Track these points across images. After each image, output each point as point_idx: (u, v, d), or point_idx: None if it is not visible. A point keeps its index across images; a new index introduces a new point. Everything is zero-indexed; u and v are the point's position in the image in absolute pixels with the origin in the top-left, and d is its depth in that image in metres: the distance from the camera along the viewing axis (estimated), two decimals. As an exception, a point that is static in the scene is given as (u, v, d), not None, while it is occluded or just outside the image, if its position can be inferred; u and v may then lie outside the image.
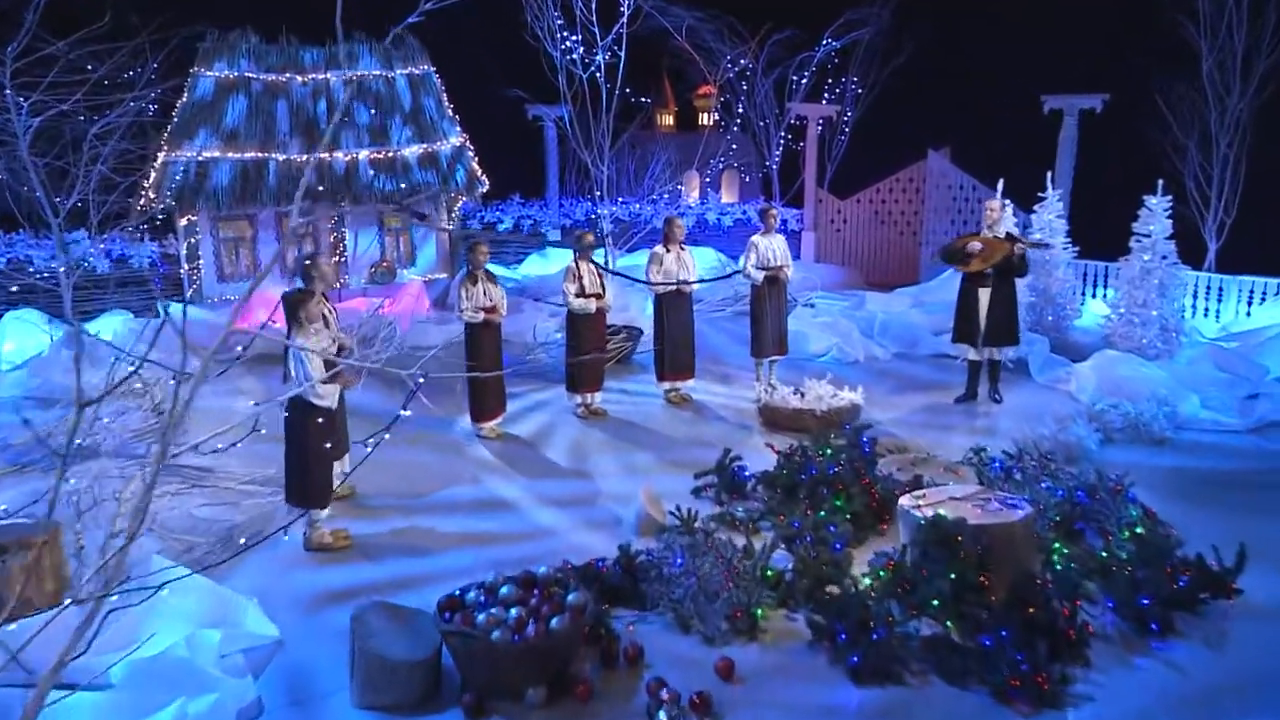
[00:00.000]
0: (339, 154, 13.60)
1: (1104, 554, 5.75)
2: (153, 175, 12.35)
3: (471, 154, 14.73)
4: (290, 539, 6.49)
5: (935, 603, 5.20)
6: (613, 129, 13.50)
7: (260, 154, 13.04)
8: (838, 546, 6.03)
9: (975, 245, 9.24)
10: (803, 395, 9.03)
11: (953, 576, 5.23)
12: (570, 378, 9.34)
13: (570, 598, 5.06)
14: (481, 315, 8.47)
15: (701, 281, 10.54)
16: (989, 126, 18.29)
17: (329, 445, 6.42)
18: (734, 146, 18.00)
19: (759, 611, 5.45)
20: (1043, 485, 6.63)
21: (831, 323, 12.16)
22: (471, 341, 8.61)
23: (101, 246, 11.27)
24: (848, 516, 6.50)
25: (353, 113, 13.60)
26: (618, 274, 11.57)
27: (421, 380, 3.92)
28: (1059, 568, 5.55)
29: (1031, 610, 5.00)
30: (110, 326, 11.78)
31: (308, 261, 7.01)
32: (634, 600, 5.69)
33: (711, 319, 13.85)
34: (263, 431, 5.44)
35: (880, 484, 6.84)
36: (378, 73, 14.08)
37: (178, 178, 12.47)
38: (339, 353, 7.12)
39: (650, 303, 10.22)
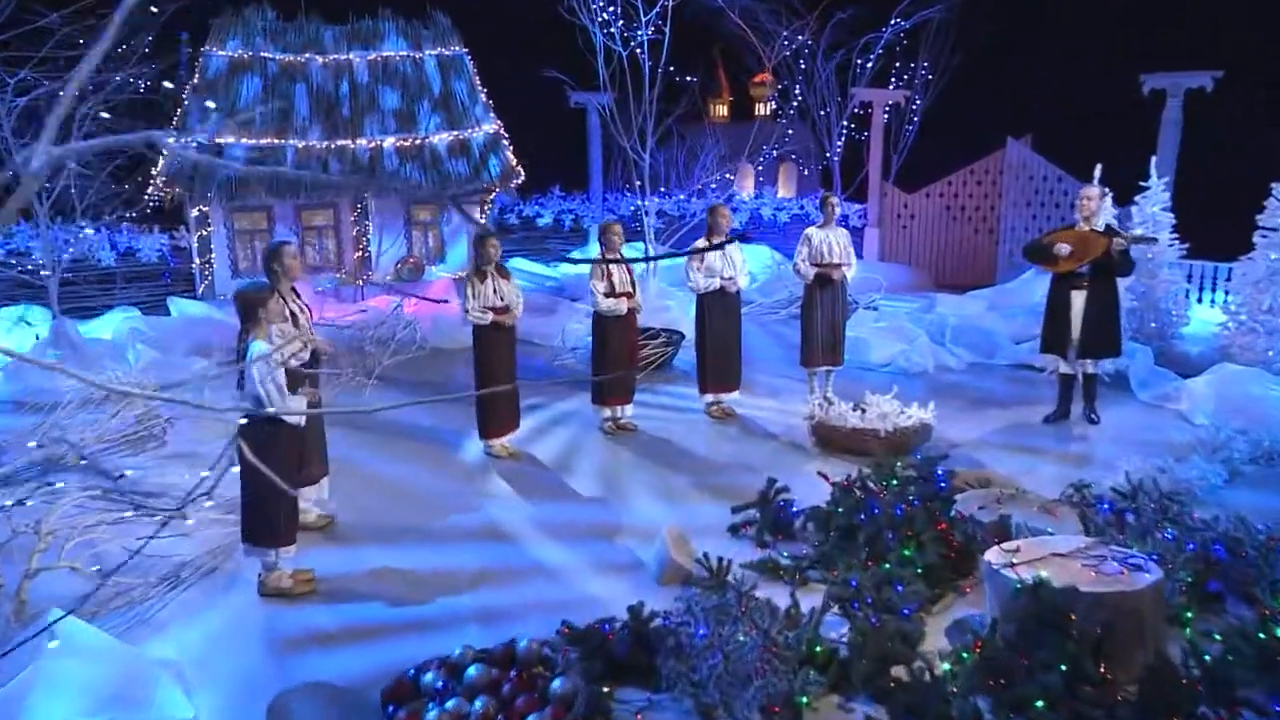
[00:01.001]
0: (362, 141, 12.63)
1: (1260, 634, 4.40)
2: (160, 161, 11.51)
3: (507, 143, 13.67)
4: (246, 578, 5.45)
5: (1040, 704, 3.92)
6: (656, 112, 12.32)
7: (277, 140, 12.13)
8: (906, 611, 4.77)
9: (1063, 248, 7.86)
10: (863, 412, 7.75)
11: (1064, 668, 3.95)
12: (596, 388, 8.19)
13: (556, 685, 3.91)
14: (490, 316, 7.36)
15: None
16: (1077, 112, 16.70)
17: (296, 470, 5.34)
18: (790, 131, 16.66)
19: (803, 700, 4.22)
20: (1166, 535, 5.29)
21: (896, 328, 10.82)
22: (480, 346, 7.50)
23: (89, 233, 10.39)
24: (919, 570, 5.23)
25: (377, 96, 12.62)
26: (663, 256, 10.38)
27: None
28: (1206, 655, 4.22)
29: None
30: (112, 325, 10.95)
31: (270, 251, 5.97)
32: (645, 678, 4.50)
33: (763, 322, 12.59)
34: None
35: (960, 528, 5.56)
36: (405, 53, 13.09)
37: (187, 165, 11.60)
38: (312, 359, 6.10)
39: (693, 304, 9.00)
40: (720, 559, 5.21)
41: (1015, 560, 4.66)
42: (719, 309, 8.40)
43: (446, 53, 13.38)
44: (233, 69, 12.06)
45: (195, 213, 11.96)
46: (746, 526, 6.16)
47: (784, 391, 9.41)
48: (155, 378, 9.35)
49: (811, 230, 8.79)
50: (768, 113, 19.75)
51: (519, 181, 13.89)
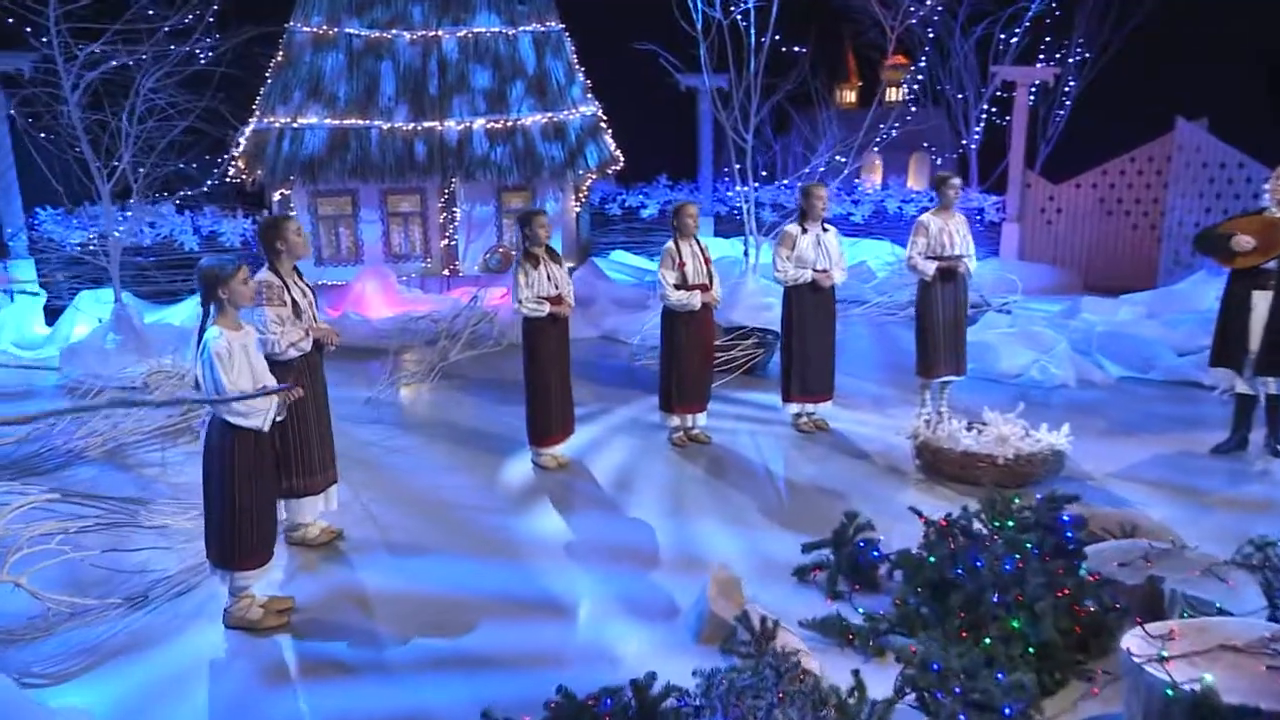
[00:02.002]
0: (450, 122, 11.94)
1: None
2: (242, 142, 11.11)
3: (606, 126, 12.75)
4: (219, 603, 4.67)
5: None
6: (760, 89, 11.13)
7: (361, 120, 11.56)
8: (1008, 711, 3.54)
9: (1245, 241, 6.33)
10: (979, 432, 6.43)
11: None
12: (665, 394, 7.12)
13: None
14: (546, 308, 6.40)
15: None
16: (1262, 92, 14.51)
17: (267, 479, 4.51)
18: (913, 110, 15.10)
19: (852, 835, 3.08)
20: (1387, 623, 3.85)
21: (1031, 334, 9.31)
22: (531, 341, 6.55)
23: (129, 215, 9.99)
24: (1029, 650, 3.97)
25: (466, 75, 11.92)
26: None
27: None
28: None
29: None
30: (188, 310, 10.59)
31: (270, 225, 5.18)
32: (645, 779, 3.45)
33: (881, 323, 11.24)
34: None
35: (1091, 594, 4.25)
36: (497, 29, 12.32)
37: (270, 146, 11.16)
38: (316, 349, 5.28)
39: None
40: (765, 619, 4.07)
41: (1167, 652, 3.37)
42: (810, 305, 7.21)
43: (542, 29, 12.55)
44: (316, 45, 11.55)
45: (277, 196, 11.51)
46: (817, 571, 5.00)
47: (891, 404, 8.11)
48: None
49: (927, 217, 7.48)
50: (900, 98, 18.17)
51: (618, 168, 12.94)
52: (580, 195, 12.98)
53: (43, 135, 9.07)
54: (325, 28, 11.55)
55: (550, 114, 12.40)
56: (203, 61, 9.17)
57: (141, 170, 9.08)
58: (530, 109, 12.31)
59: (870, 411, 7.94)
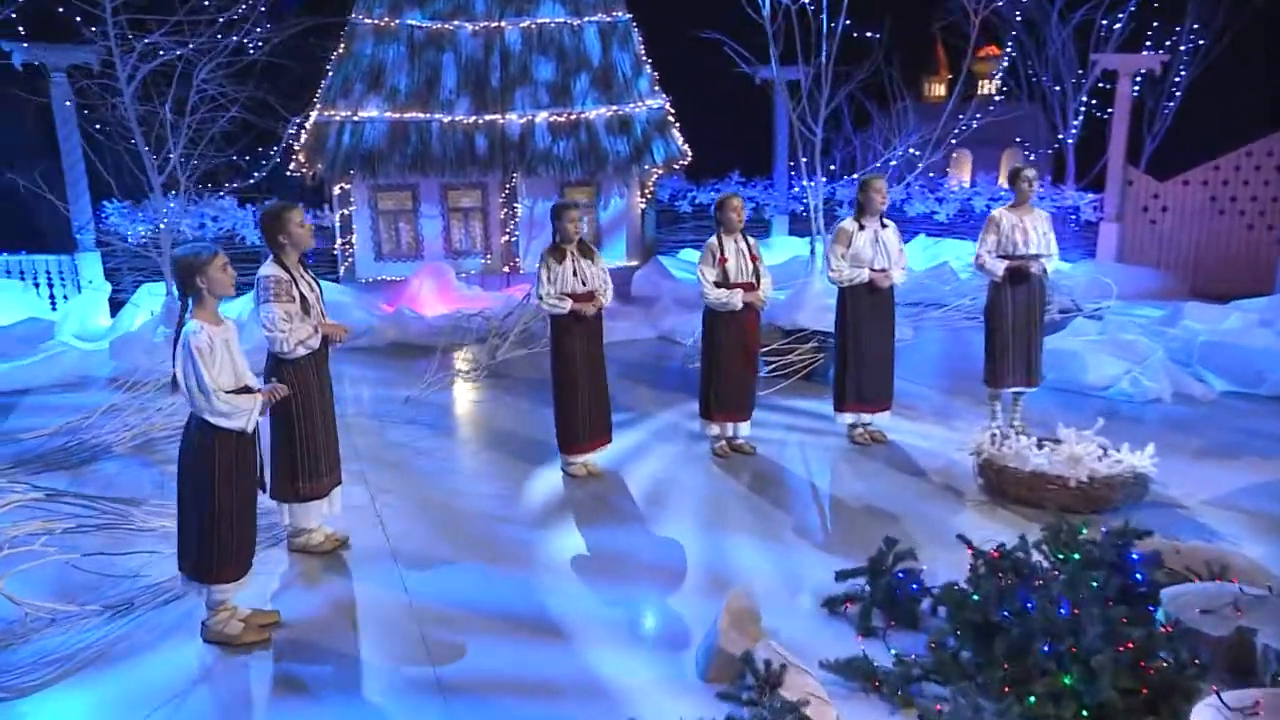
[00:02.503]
0: (513, 115, 11.66)
1: None
2: (303, 136, 11.03)
3: (674, 120, 12.30)
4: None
5: None
6: (831, 77, 10.53)
7: (422, 114, 11.37)
8: (1049, 790, 2.98)
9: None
10: (1051, 449, 5.78)
11: None
12: (704, 400, 6.64)
13: None
14: (568, 305, 6.00)
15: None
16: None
17: (246, 486, 4.20)
18: (995, 101, 14.22)
19: None
20: None
21: (1124, 342, 8.50)
22: (557, 341, 6.17)
23: (175, 206, 9.92)
24: (1083, 713, 3.39)
25: (529, 67, 11.62)
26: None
27: None
28: None
29: None
30: (243, 305, 10.53)
31: (272, 214, 4.89)
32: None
33: (958, 329, 10.52)
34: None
35: (1164, 647, 3.62)
36: (562, 20, 11.99)
37: (329, 140, 11.05)
38: (324, 344, 4.98)
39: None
40: (770, 661, 3.57)
41: (1250, 728, 2.78)
42: (866, 307, 6.64)
43: (608, 19, 12.17)
44: (377, 36, 11.40)
45: (337, 190, 11.41)
46: (849, 603, 4.46)
47: (958, 416, 7.47)
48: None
49: (1000, 212, 6.83)
50: (991, 90, 17.28)
51: (685, 163, 12.47)
52: (646, 191, 12.56)
53: (96, 127, 9.09)
54: (387, 19, 11.39)
55: (615, 107, 12.02)
56: (251, 52, 9.06)
57: (194, 163, 9.02)
58: (595, 102, 11.95)
59: (934, 423, 7.31)
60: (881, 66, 11.63)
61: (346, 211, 11.44)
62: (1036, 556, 4.31)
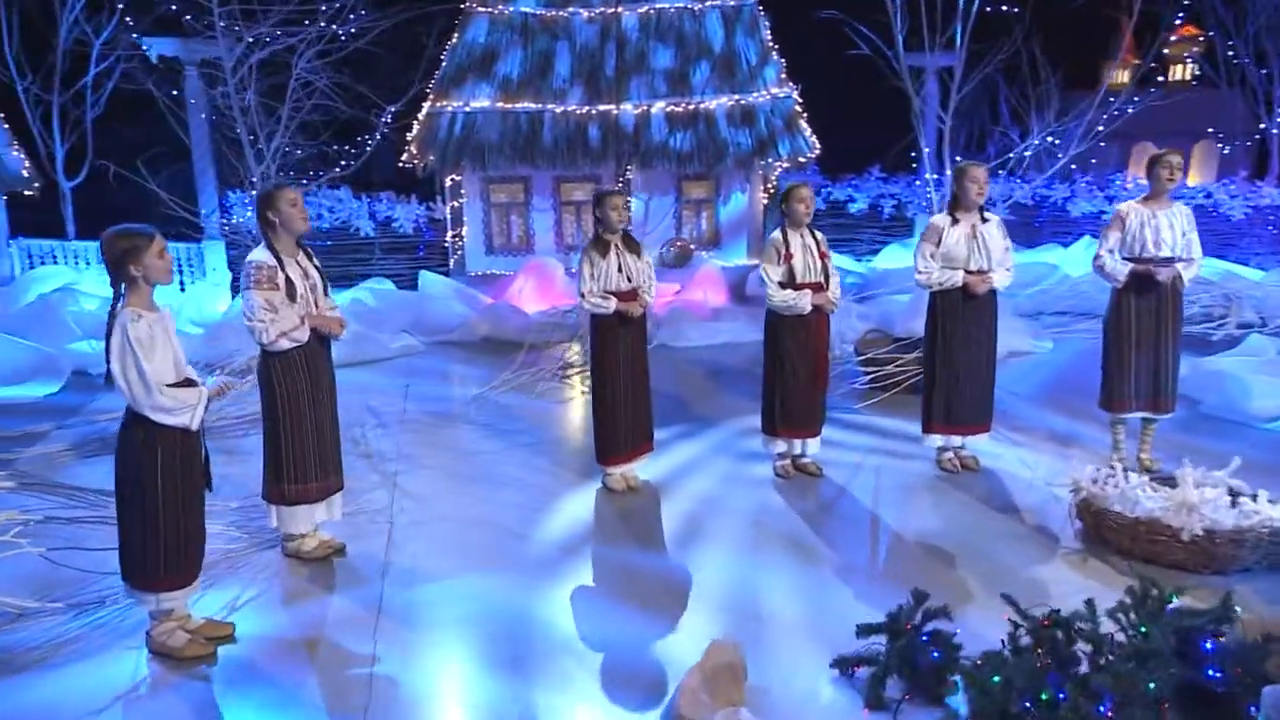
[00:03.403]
0: (627, 106, 11.23)
1: None
2: (416, 127, 11.00)
3: (801, 109, 11.54)
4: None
5: None
6: (965, 59, 9.51)
7: (534, 105, 11.11)
8: None
9: None
10: (1169, 490, 4.78)
11: None
12: (767, 412, 5.97)
13: None
14: (612, 304, 5.48)
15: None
16: None
17: (189, 487, 3.88)
18: (1192, 82, 12.56)
19: None
20: None
21: (1301, 365, 7.19)
22: (598, 342, 5.66)
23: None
24: None
25: (647, 55, 11.16)
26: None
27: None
28: None
29: None
30: (353, 295, 10.62)
31: (263, 196, 4.62)
32: None
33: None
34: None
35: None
36: (682, 5, 11.44)
37: (440, 131, 10.97)
38: (315, 336, 4.67)
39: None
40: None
41: None
42: (960, 315, 5.78)
43: (732, 3, 11.52)
44: (490, 25, 11.22)
45: (448, 182, 11.33)
46: (858, 666, 3.74)
47: (1078, 443, 6.46)
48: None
49: (1128, 206, 5.82)
50: (1186, 76, 15.49)
51: (812, 157, 11.68)
52: (769, 186, 11.86)
53: (203, 117, 9.30)
54: (500, 7, 11.20)
55: (738, 97, 11.38)
56: (342, 38, 9.04)
57: (299, 152, 9.09)
58: (715, 91, 11.36)
59: (1045, 451, 6.33)
60: (1020, 47, 10.43)
61: (457, 203, 11.35)
62: (1111, 627, 3.47)
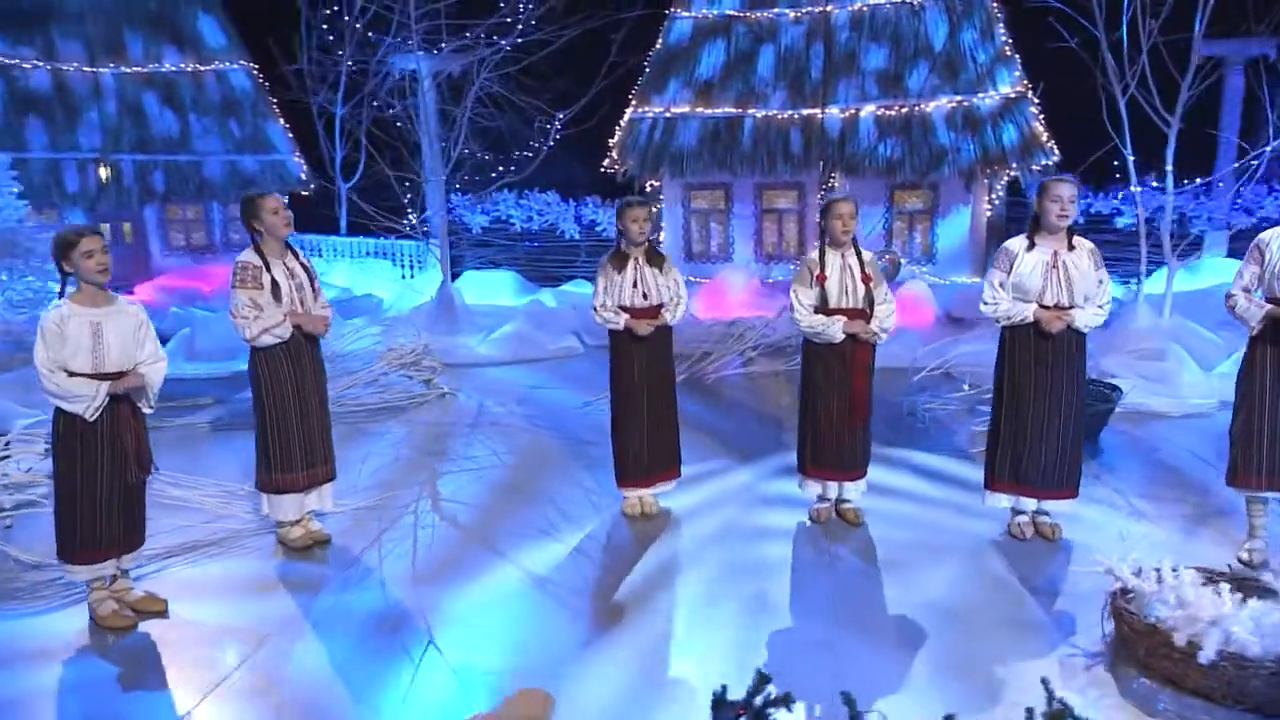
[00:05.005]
0: (833, 110, 10.64)
1: None
2: (617, 133, 11.19)
3: (1036, 109, 10.28)
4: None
5: None
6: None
7: (735, 109, 10.86)
8: None
9: None
10: (1226, 592, 3.71)
11: None
12: (800, 450, 5.39)
13: None
14: (623, 320, 5.26)
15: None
16: None
17: (112, 478, 4.18)
18: None
19: None
20: None
21: None
22: (613, 357, 5.45)
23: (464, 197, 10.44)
24: None
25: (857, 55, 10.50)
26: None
27: None
28: None
29: None
30: (543, 296, 11.07)
31: (245, 202, 4.94)
32: None
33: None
34: None
35: None
36: (899, 1, 10.60)
37: (642, 138, 11.08)
38: (298, 334, 4.90)
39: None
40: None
41: None
42: (1032, 355, 4.87)
43: (958, -5, 10.49)
44: (696, 32, 11.09)
45: (647, 187, 11.40)
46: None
47: (1222, 523, 5.19)
48: (496, 353, 9.11)
49: (1271, 234, 4.58)
50: None
51: (1046, 162, 10.34)
52: (993, 195, 10.67)
53: (398, 125, 10.11)
54: (706, 12, 11.05)
55: (960, 98, 10.38)
56: (518, 45, 9.37)
57: (485, 157, 9.64)
58: (934, 92, 10.42)
59: (1160, 526, 5.15)
60: None
61: (655, 208, 11.39)
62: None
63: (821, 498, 5.42)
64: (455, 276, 12.21)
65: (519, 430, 7.32)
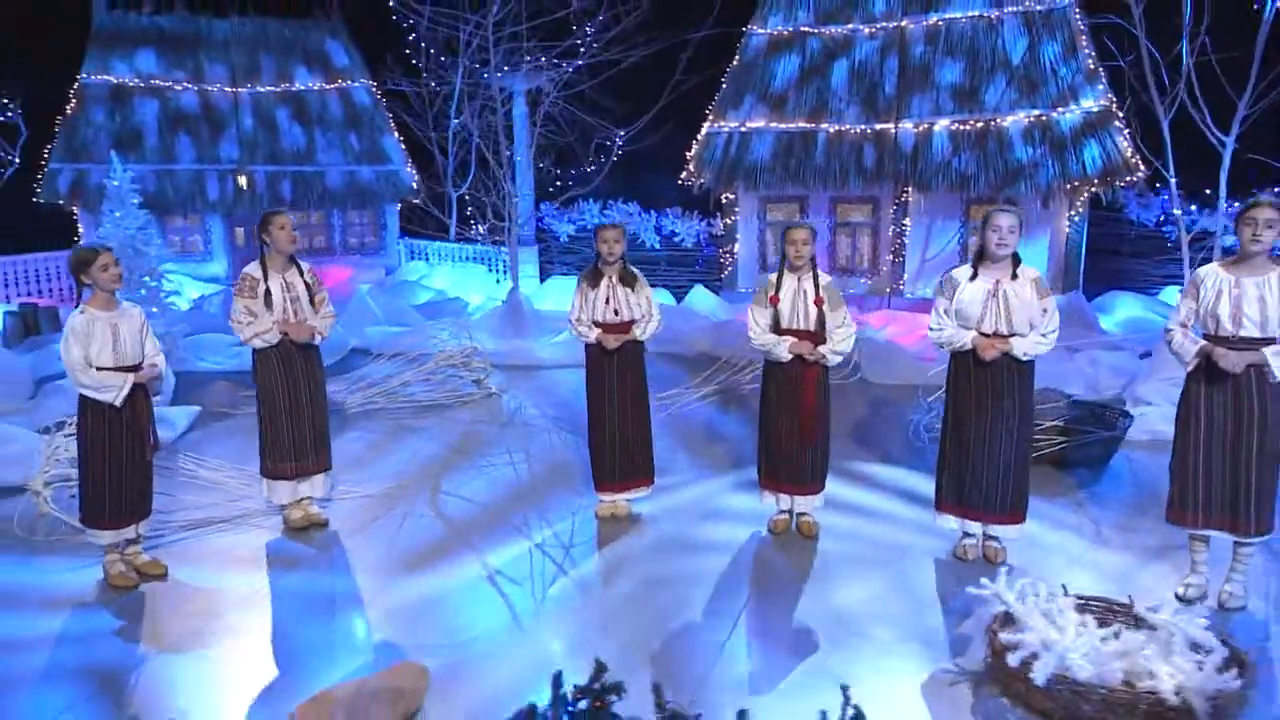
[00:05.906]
0: (906, 124, 10.61)
1: None
2: (694, 147, 11.52)
3: (1121, 124, 9.93)
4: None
5: None
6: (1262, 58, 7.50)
7: (808, 124, 10.99)
8: None
9: None
10: (1078, 621, 3.78)
11: None
12: (759, 464, 5.62)
13: None
14: (595, 334, 5.65)
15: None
16: None
17: (131, 456, 4.91)
18: None
19: None
20: None
21: None
22: (588, 369, 5.84)
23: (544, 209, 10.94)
24: None
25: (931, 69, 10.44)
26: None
27: None
28: None
29: None
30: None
31: (259, 223, 5.61)
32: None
33: None
34: None
35: None
36: (976, 14, 10.43)
37: (718, 152, 11.36)
38: (287, 340, 5.50)
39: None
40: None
41: None
42: (974, 385, 4.96)
43: (1039, 7, 10.19)
44: (771, 47, 11.25)
45: (722, 200, 11.68)
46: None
47: (1165, 559, 5.10)
48: (545, 357, 9.62)
49: (1209, 269, 4.58)
50: None
51: (1134, 178, 9.97)
52: (1075, 210, 10.37)
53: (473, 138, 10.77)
54: (782, 28, 11.20)
55: (1038, 112, 10.15)
56: (588, 60, 9.81)
57: (557, 170, 10.18)
58: (1011, 106, 10.23)
59: (1127, 561, 5.10)
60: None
61: (729, 220, 11.65)
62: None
63: (782, 510, 5.65)
64: (542, 280, 12.89)
65: (541, 431, 7.79)
